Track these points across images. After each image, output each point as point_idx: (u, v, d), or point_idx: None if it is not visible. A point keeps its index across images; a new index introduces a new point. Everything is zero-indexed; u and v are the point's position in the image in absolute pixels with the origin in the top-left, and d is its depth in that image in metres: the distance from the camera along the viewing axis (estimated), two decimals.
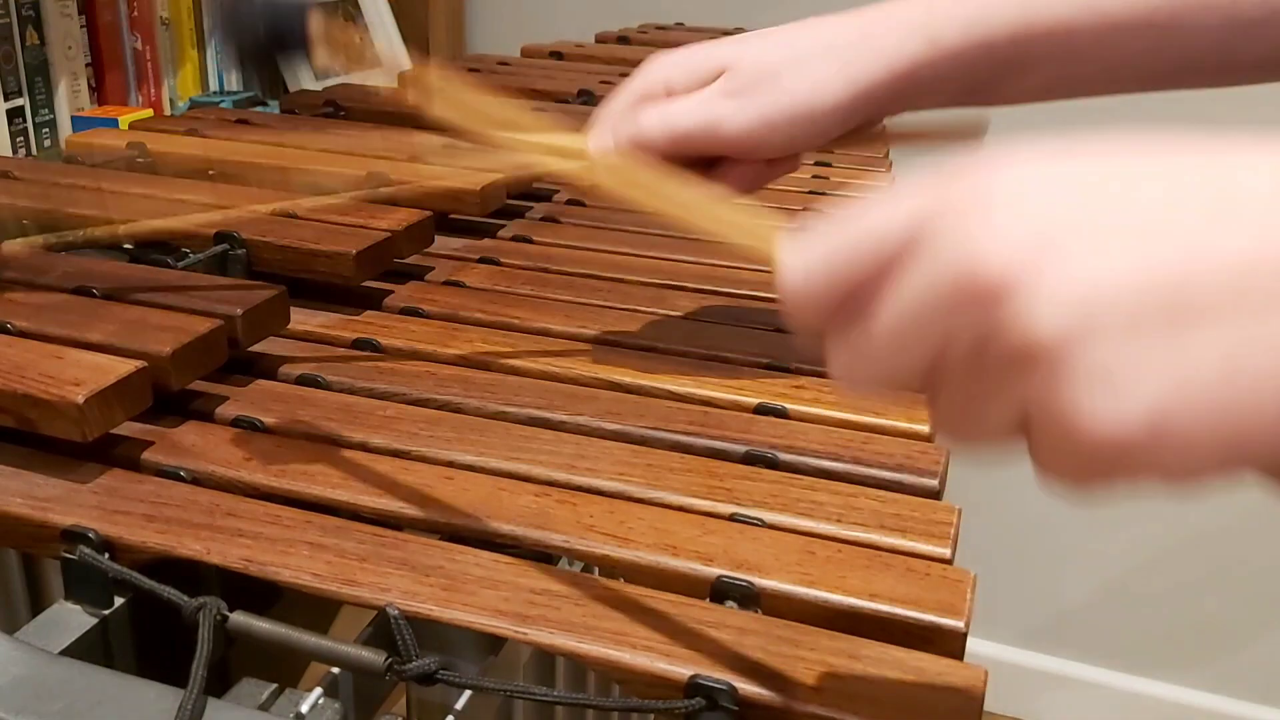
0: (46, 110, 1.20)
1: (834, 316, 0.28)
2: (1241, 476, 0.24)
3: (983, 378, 0.25)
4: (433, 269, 0.66)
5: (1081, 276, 0.23)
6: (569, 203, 0.81)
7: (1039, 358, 0.23)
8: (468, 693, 0.39)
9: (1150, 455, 0.23)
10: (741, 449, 0.47)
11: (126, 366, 0.44)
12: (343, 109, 0.96)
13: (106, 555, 0.39)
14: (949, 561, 0.40)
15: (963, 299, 0.24)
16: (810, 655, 0.35)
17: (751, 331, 0.59)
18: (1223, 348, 0.22)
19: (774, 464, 0.47)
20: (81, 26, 1.23)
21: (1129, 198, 0.24)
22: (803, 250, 0.28)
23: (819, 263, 0.28)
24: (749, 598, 0.38)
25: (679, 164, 0.48)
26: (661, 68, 0.52)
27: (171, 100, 1.35)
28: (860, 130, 0.53)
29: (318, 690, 0.36)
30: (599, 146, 0.52)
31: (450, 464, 0.46)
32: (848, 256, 0.27)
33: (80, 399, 0.42)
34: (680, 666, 0.34)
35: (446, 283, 0.65)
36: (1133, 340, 0.23)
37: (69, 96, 1.22)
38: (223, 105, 1.26)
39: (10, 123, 1.16)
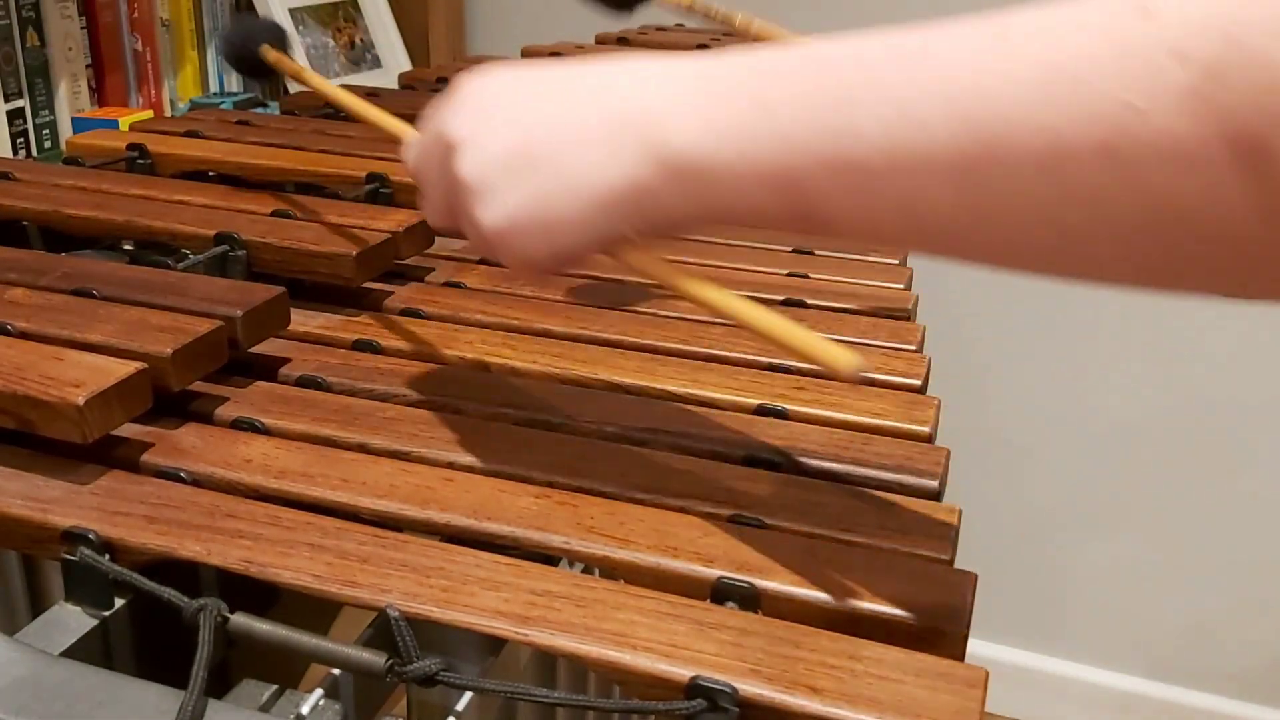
0: (47, 111, 1.20)
1: (417, 174, 0.46)
2: (562, 266, 0.41)
3: (446, 193, 0.43)
4: (433, 270, 0.66)
5: (484, 145, 0.41)
6: None
7: (466, 187, 0.41)
8: (468, 694, 0.39)
9: (507, 241, 0.40)
10: (742, 450, 0.47)
11: (127, 368, 0.44)
12: (343, 110, 0.96)
13: (107, 556, 0.39)
14: (949, 562, 0.40)
15: (438, 150, 0.43)
16: (811, 656, 0.35)
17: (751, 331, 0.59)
18: (531, 188, 0.40)
19: (774, 465, 0.47)
20: (82, 28, 1.23)
21: (529, 94, 0.41)
22: (412, 144, 0.48)
23: (413, 151, 0.47)
24: (750, 599, 0.38)
25: None
26: None
27: (172, 101, 1.36)
28: None
29: (318, 691, 0.36)
30: None
31: (450, 465, 0.46)
32: (423, 144, 0.46)
33: (80, 400, 0.42)
34: (681, 668, 0.34)
35: (447, 284, 0.65)
36: (500, 176, 0.40)
37: (69, 98, 1.22)
38: (223, 106, 1.26)
39: (10, 124, 1.16)
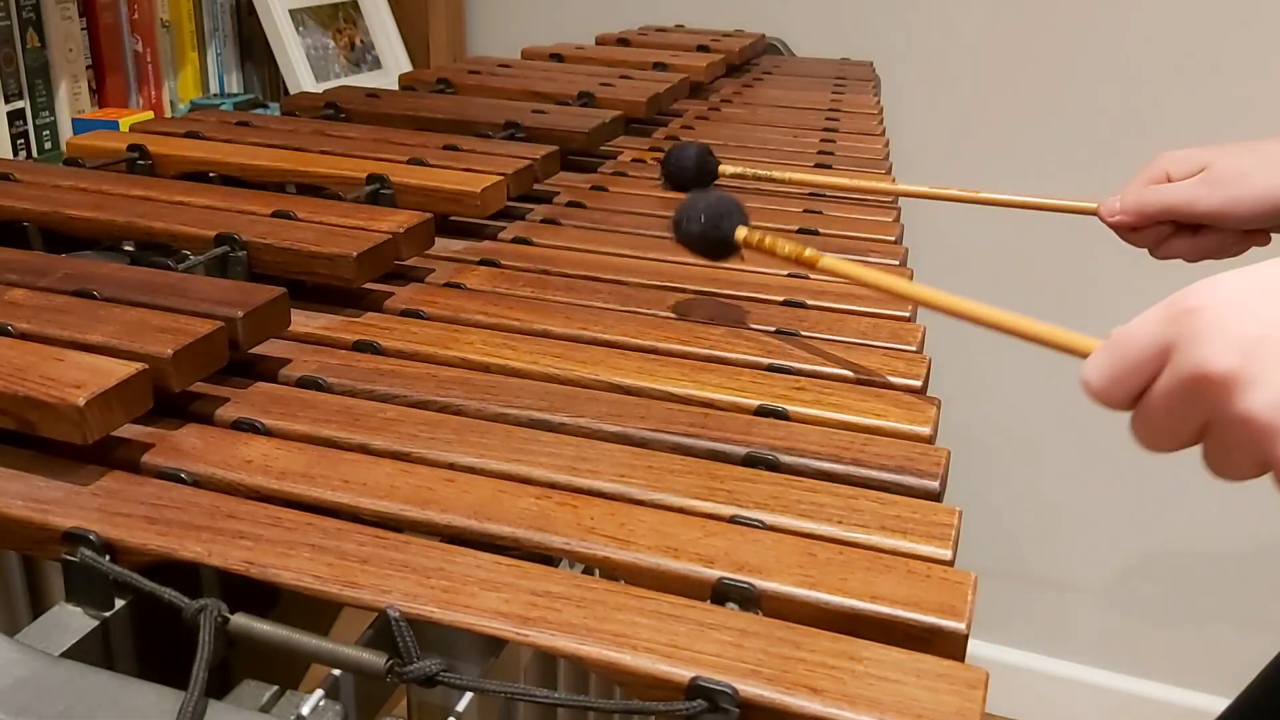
0: (47, 112, 1.20)
1: (1125, 403, 0.42)
2: None
3: (1215, 433, 0.40)
4: (433, 271, 0.66)
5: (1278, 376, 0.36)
6: (569, 205, 0.81)
7: (1257, 426, 0.37)
8: (469, 695, 0.39)
9: None
10: (742, 451, 0.47)
11: (127, 368, 0.44)
12: (343, 111, 0.96)
13: (107, 557, 0.39)
14: (950, 563, 0.40)
15: (1200, 390, 0.38)
16: (811, 657, 0.35)
17: (751, 332, 0.59)
18: None
19: (775, 466, 0.47)
20: (82, 29, 1.23)
21: None
22: (1094, 362, 0.43)
23: (1104, 373, 0.42)
24: (750, 599, 0.38)
25: (1170, 227, 0.78)
26: (1164, 161, 0.78)
27: (172, 102, 1.36)
28: None
29: (319, 692, 0.36)
30: (1109, 207, 0.79)
31: (451, 466, 0.46)
32: (1122, 367, 0.42)
33: (81, 401, 0.42)
34: (681, 668, 0.34)
35: (447, 285, 0.65)
36: None
37: (69, 99, 1.22)
38: (223, 107, 1.26)
39: (11, 125, 1.16)
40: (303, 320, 0.58)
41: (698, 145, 0.83)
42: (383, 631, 0.37)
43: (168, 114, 1.34)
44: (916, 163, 1.34)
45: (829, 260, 0.58)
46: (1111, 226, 0.80)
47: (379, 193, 0.72)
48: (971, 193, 0.87)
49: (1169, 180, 0.77)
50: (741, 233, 0.60)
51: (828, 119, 1.09)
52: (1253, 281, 0.39)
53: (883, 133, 1.06)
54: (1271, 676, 0.91)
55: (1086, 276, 1.52)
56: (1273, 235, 0.77)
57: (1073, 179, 1.46)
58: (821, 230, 0.76)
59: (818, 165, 0.93)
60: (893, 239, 0.75)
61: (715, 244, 0.60)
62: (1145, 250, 0.81)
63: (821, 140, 1.01)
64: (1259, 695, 0.92)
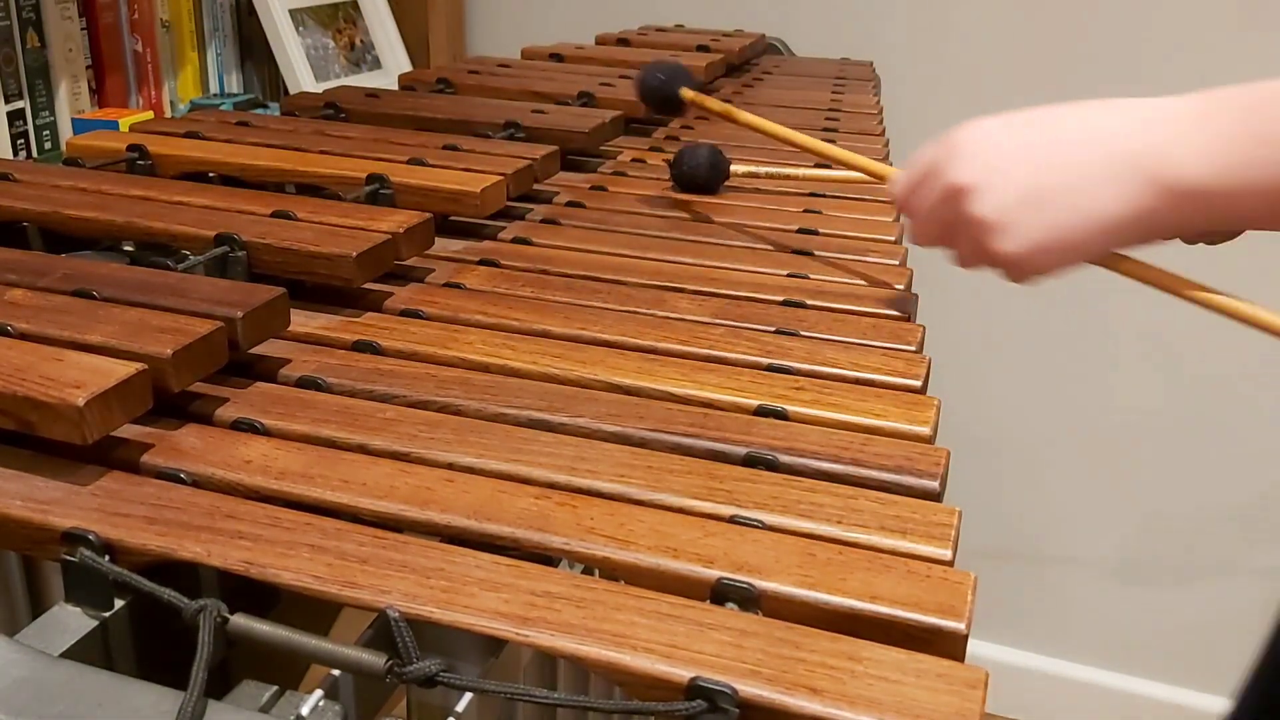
0: (47, 112, 1.20)
1: (905, 206, 0.58)
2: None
3: (955, 230, 0.54)
4: (433, 271, 0.66)
5: (1000, 187, 0.51)
6: (569, 205, 0.81)
7: (981, 224, 0.52)
8: (468, 695, 0.39)
9: (1026, 264, 0.52)
10: (742, 451, 0.47)
11: (127, 369, 0.44)
12: (343, 111, 0.96)
13: (107, 557, 0.39)
14: (950, 563, 0.40)
15: (949, 196, 0.54)
16: (811, 657, 0.35)
17: (751, 332, 0.59)
18: (1049, 222, 0.51)
19: (774, 466, 0.47)
20: (82, 29, 1.23)
21: (1022, 141, 0.52)
22: (898, 178, 0.59)
23: (902, 184, 0.59)
24: (749, 600, 0.38)
25: None
26: None
27: (172, 102, 1.36)
28: None
29: (318, 693, 0.36)
30: None
31: (450, 466, 0.46)
32: (909, 181, 0.58)
33: (80, 401, 0.42)
34: (681, 669, 0.34)
35: (447, 285, 0.65)
36: (1021, 213, 0.51)
37: (69, 99, 1.22)
38: (223, 107, 1.26)
39: (11, 125, 1.16)
40: (302, 320, 0.58)
41: (709, 147, 0.84)
42: (382, 632, 0.37)
43: (167, 114, 1.34)
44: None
45: (748, 116, 0.75)
46: None
47: (379, 193, 0.72)
48: None
49: None
50: (687, 94, 0.80)
51: (828, 119, 1.09)
52: (1003, 121, 0.53)
53: (883, 133, 1.06)
54: (1261, 674, 0.91)
55: (1086, 278, 1.52)
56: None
57: None
58: (821, 230, 0.76)
59: (818, 165, 0.93)
60: (893, 239, 0.75)
61: (664, 99, 0.82)
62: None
63: (822, 140, 1.00)
64: (1255, 694, 0.92)
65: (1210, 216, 0.49)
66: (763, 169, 0.85)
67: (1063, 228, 0.51)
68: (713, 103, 0.77)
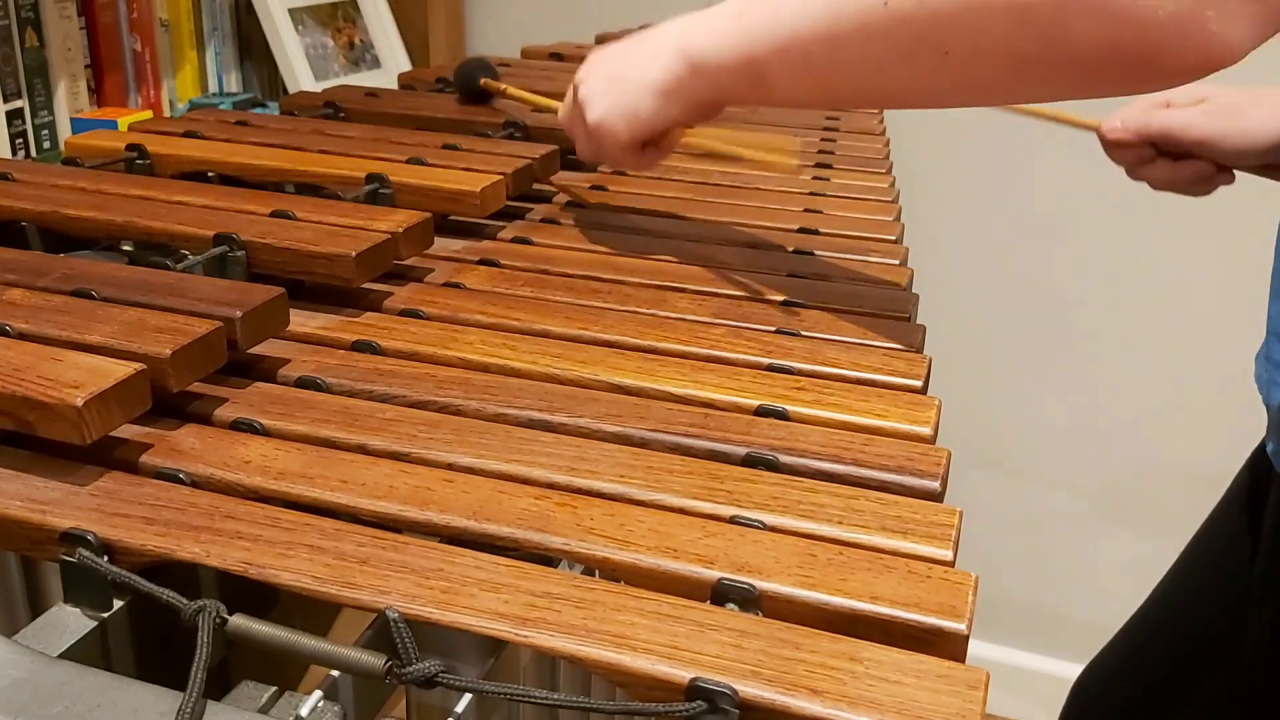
0: (46, 112, 1.20)
1: (564, 123, 0.72)
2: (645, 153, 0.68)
3: (577, 121, 0.69)
4: (432, 271, 0.66)
5: (592, 75, 0.68)
6: (568, 204, 0.81)
7: (580, 106, 0.68)
8: (468, 696, 0.39)
9: (602, 130, 0.66)
10: (742, 451, 0.47)
11: (125, 369, 0.44)
12: (342, 110, 0.96)
13: (105, 558, 0.39)
14: (950, 564, 0.40)
15: (578, 108, 0.68)
16: (811, 658, 0.35)
17: (751, 332, 0.59)
18: (616, 93, 0.66)
19: (775, 466, 0.46)
20: (81, 28, 1.23)
21: (618, 47, 0.67)
22: (562, 106, 0.73)
23: (561, 112, 0.73)
24: (750, 600, 0.38)
25: (1154, 150, 0.86)
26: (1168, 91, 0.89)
27: (171, 102, 1.36)
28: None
29: (317, 693, 0.36)
30: (1111, 124, 0.88)
31: (450, 466, 0.46)
32: (565, 106, 0.72)
33: (79, 401, 0.41)
34: (681, 669, 0.34)
35: (446, 284, 0.65)
36: (599, 89, 0.66)
37: (68, 98, 1.22)
38: (222, 107, 1.26)
39: (10, 124, 1.16)
40: (301, 320, 0.58)
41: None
42: (381, 632, 0.36)
43: (166, 113, 1.34)
44: (917, 162, 1.34)
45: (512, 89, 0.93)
46: (1109, 142, 0.88)
47: (378, 192, 0.72)
48: None
49: (1168, 107, 0.85)
50: (488, 83, 0.96)
51: (828, 118, 1.09)
52: (610, 48, 0.67)
53: (883, 132, 1.06)
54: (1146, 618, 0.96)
55: (1086, 279, 1.52)
56: (1237, 174, 0.86)
57: (1075, 177, 1.46)
58: (822, 230, 0.76)
59: (818, 165, 0.93)
60: (893, 238, 0.75)
61: (471, 92, 0.97)
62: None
63: (821, 140, 1.01)
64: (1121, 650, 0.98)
65: (717, 81, 0.61)
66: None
67: (624, 94, 0.65)
68: (512, 90, 0.94)
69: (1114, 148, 0.88)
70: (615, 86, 0.65)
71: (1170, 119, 0.85)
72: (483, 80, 0.96)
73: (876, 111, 1.14)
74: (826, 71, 0.55)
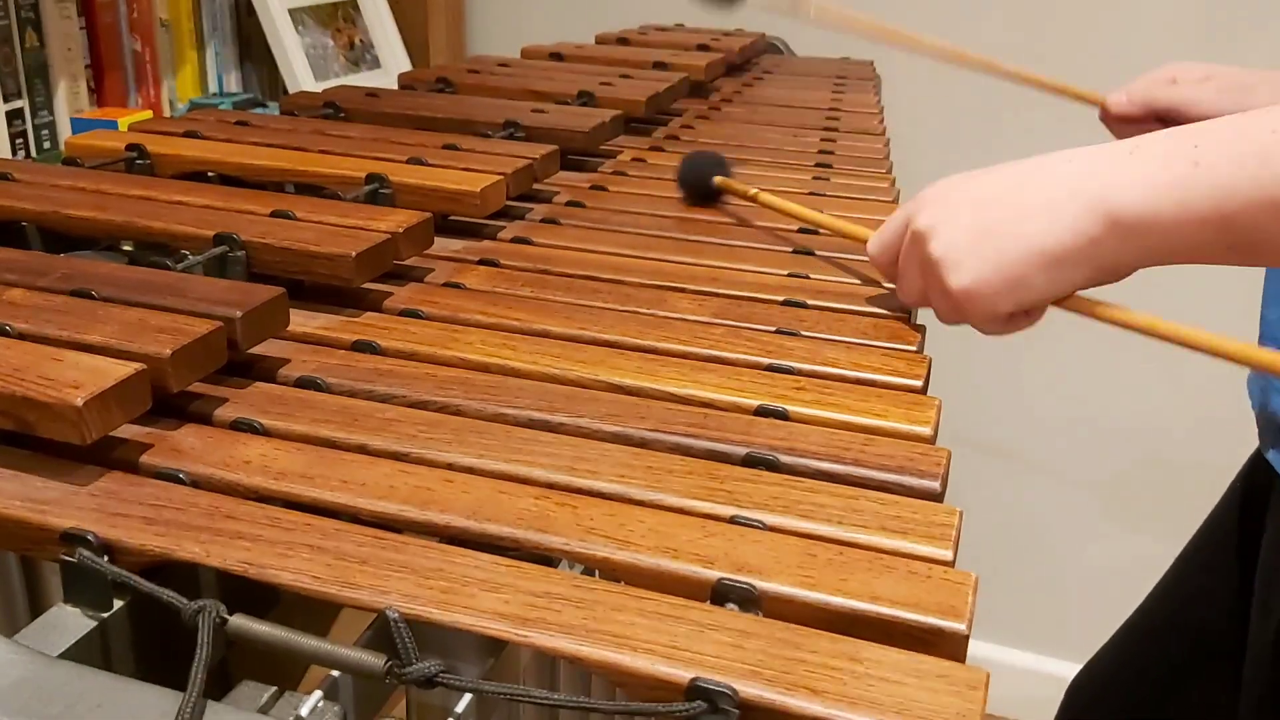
0: (46, 112, 1.20)
1: (880, 261, 0.62)
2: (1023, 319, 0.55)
3: (918, 273, 0.57)
4: (432, 271, 0.66)
5: (952, 224, 0.54)
6: (568, 204, 0.81)
7: (936, 264, 0.54)
8: (468, 696, 0.39)
9: (974, 300, 0.53)
10: (742, 451, 0.47)
11: (125, 369, 0.44)
12: (342, 110, 0.96)
13: (106, 558, 0.39)
14: (950, 564, 0.40)
15: (914, 242, 0.56)
16: (811, 658, 0.35)
17: (751, 332, 0.59)
18: (994, 254, 0.52)
19: (775, 466, 0.46)
20: (81, 28, 1.23)
21: (977, 185, 0.55)
22: (872, 239, 0.62)
23: (875, 243, 0.62)
24: (750, 600, 0.38)
25: (1159, 126, 0.80)
26: (1172, 66, 0.86)
27: (171, 102, 1.36)
28: None
29: (317, 693, 0.36)
30: (1116, 99, 0.87)
31: (450, 466, 0.46)
32: (884, 237, 0.61)
33: (79, 401, 0.41)
34: (681, 669, 0.34)
35: (446, 284, 0.65)
36: (968, 247, 0.53)
37: (68, 98, 1.22)
38: (222, 107, 1.26)
39: (10, 124, 1.16)
40: (301, 320, 0.58)
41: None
42: (381, 632, 0.36)
43: (166, 113, 1.34)
44: (917, 162, 1.34)
45: (766, 196, 0.76)
46: (1113, 117, 0.87)
47: (378, 192, 0.72)
48: (990, 60, 0.98)
49: (1175, 83, 0.84)
50: (722, 181, 0.79)
51: (828, 118, 1.09)
52: (967, 174, 0.56)
53: (883, 132, 1.06)
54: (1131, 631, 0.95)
55: None
56: None
57: None
58: (822, 230, 0.76)
59: (818, 164, 0.93)
60: None
61: (701, 192, 0.81)
62: None
63: (822, 140, 1.01)
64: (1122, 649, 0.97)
65: (1149, 243, 0.49)
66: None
67: (1006, 258, 0.51)
68: (764, 198, 0.76)
69: (1117, 122, 0.87)
70: (990, 245, 0.52)
71: (1179, 94, 0.83)
72: (718, 179, 0.79)
73: (876, 111, 1.14)
74: None
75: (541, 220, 0.77)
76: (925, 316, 0.66)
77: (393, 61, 1.58)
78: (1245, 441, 0.91)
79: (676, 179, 0.81)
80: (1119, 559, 1.67)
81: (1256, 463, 0.85)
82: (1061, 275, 0.51)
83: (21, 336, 0.48)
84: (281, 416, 0.49)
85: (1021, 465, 1.67)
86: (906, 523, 0.42)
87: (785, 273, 0.68)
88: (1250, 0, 1.40)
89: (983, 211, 0.53)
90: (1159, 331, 0.52)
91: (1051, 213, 0.50)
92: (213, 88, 1.42)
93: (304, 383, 0.52)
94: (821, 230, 0.72)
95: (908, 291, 0.59)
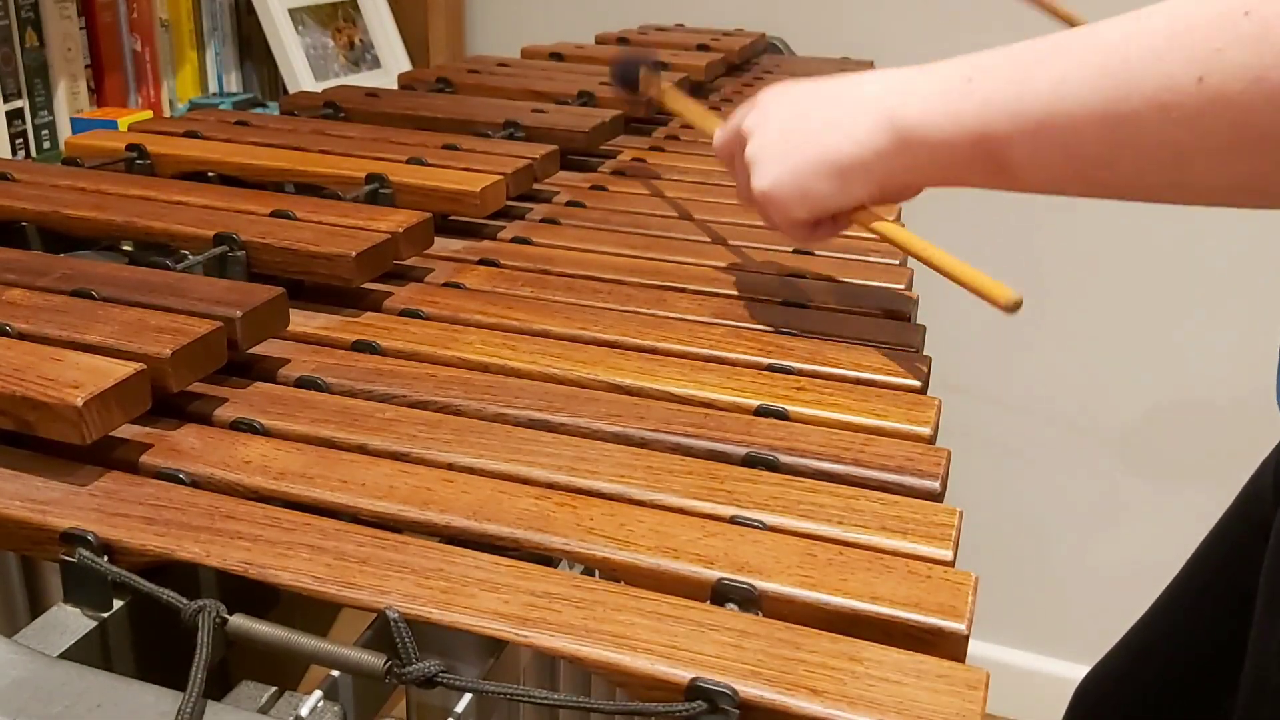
0: (46, 112, 1.20)
1: (721, 155, 0.64)
2: (817, 229, 0.57)
3: (740, 171, 0.59)
4: (432, 271, 0.66)
5: (764, 128, 0.57)
6: (568, 204, 0.81)
7: (748, 163, 0.57)
8: (468, 696, 0.39)
9: (772, 201, 0.56)
10: (742, 451, 0.47)
11: (125, 369, 0.44)
12: (342, 110, 0.96)
13: (106, 558, 0.39)
14: (950, 564, 0.40)
15: (735, 139, 0.60)
16: (811, 658, 0.35)
17: (751, 332, 0.59)
18: (793, 160, 0.54)
19: (775, 466, 0.46)
20: (81, 28, 1.23)
21: (796, 95, 0.57)
22: (719, 133, 0.64)
23: (717, 138, 0.64)
24: (750, 600, 0.38)
25: None
26: None
27: (171, 102, 1.36)
28: None
29: (317, 693, 0.36)
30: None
31: (450, 466, 0.46)
32: (723, 134, 0.63)
33: (79, 401, 0.41)
34: (681, 669, 0.34)
35: (446, 284, 0.65)
36: (772, 151, 0.55)
37: (68, 98, 1.22)
38: (222, 107, 1.26)
39: (10, 124, 1.16)
40: (301, 320, 0.58)
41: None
42: (381, 632, 0.36)
43: (166, 113, 1.34)
44: None
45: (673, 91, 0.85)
46: None
47: (378, 192, 0.72)
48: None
49: None
50: (646, 75, 0.88)
51: None
52: (790, 85, 0.58)
53: None
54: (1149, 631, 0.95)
55: (1089, 277, 1.52)
56: None
57: None
58: (683, 117, 0.76)
59: None
60: None
61: (627, 81, 0.89)
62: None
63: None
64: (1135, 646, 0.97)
65: (926, 157, 0.51)
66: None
67: (801, 165, 0.54)
68: (673, 93, 0.85)
69: None
70: (792, 150, 0.54)
71: None
72: (643, 71, 0.88)
73: None
74: (1097, 158, 0.45)
75: (541, 220, 0.77)
76: (925, 316, 0.66)
77: (393, 61, 1.58)
78: (1252, 444, 0.91)
79: (614, 67, 0.90)
80: (1119, 559, 1.67)
81: (1268, 467, 0.84)
82: (848, 186, 0.54)
83: (21, 336, 0.48)
84: (281, 416, 0.49)
85: (1021, 464, 1.67)
86: (906, 523, 0.42)
87: (785, 272, 0.68)
88: None
89: (795, 120, 0.55)
90: (913, 249, 0.57)
91: (849, 125, 0.52)
92: (213, 88, 1.42)
93: (304, 383, 0.52)
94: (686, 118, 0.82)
95: (738, 188, 0.61)
